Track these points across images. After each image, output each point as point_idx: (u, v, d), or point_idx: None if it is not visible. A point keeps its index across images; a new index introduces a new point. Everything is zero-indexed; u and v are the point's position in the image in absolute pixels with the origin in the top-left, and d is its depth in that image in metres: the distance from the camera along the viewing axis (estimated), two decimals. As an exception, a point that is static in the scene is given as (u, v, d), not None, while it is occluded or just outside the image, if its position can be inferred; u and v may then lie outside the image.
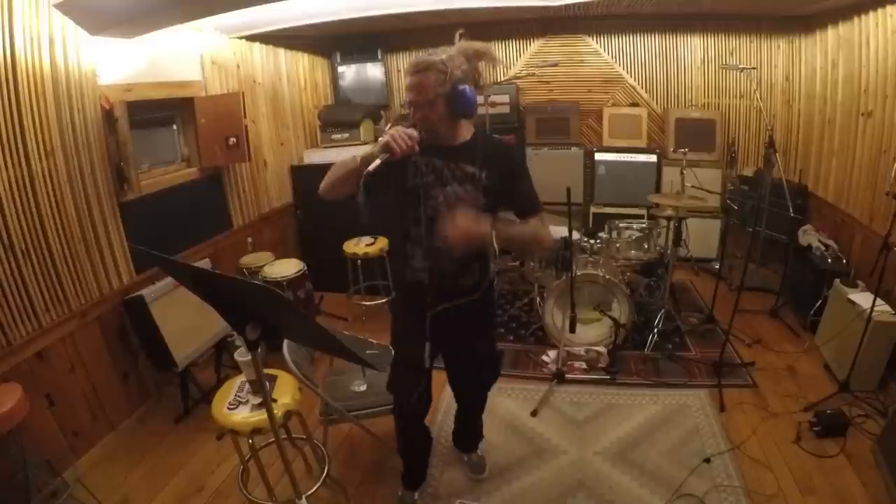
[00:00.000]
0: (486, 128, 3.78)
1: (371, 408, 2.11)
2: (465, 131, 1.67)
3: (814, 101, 3.85)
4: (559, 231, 3.35)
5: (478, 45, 1.59)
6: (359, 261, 3.54)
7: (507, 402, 2.73)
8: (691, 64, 4.37)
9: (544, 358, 3.09)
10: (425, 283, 1.71)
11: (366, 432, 2.34)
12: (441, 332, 1.74)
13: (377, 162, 1.43)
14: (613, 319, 2.95)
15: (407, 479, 2.14)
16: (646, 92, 4.53)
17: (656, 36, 4.37)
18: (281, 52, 4.08)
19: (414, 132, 1.49)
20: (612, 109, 4.55)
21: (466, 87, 1.54)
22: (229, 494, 2.21)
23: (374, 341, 2.18)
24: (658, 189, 4.30)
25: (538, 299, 3.53)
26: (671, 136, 4.32)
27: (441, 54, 1.54)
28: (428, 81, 1.51)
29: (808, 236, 3.45)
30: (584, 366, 2.99)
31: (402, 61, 4.77)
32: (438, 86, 1.51)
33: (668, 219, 3.30)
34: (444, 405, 2.65)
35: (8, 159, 2.08)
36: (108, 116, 2.53)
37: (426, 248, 1.68)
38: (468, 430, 2.30)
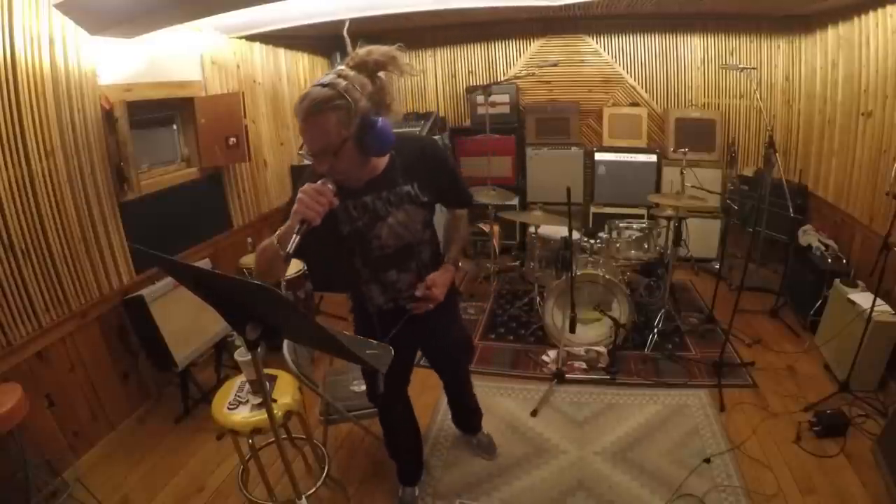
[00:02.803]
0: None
1: (371, 408, 2.10)
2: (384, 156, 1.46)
3: (814, 101, 3.85)
4: (559, 231, 3.35)
5: (377, 52, 1.27)
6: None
7: (507, 401, 2.74)
8: (691, 64, 4.37)
9: (544, 358, 3.09)
10: (392, 309, 1.65)
11: (366, 432, 2.34)
12: (413, 328, 1.65)
13: (296, 239, 1.22)
14: (613, 319, 2.94)
15: (404, 476, 2.15)
16: (646, 92, 4.53)
17: (656, 36, 4.37)
18: (281, 52, 4.08)
19: (326, 187, 1.23)
20: (612, 109, 4.55)
21: (378, 120, 1.25)
22: (229, 494, 2.21)
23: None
24: (658, 189, 4.30)
25: (538, 299, 3.52)
26: (671, 136, 4.32)
27: (337, 79, 1.22)
28: (327, 125, 1.21)
29: (808, 236, 3.44)
30: (584, 366, 2.99)
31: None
32: (343, 127, 1.22)
33: (668, 219, 3.30)
34: (442, 406, 2.64)
35: (8, 159, 2.08)
36: (108, 116, 2.53)
37: (382, 284, 1.62)
38: (466, 408, 2.32)
